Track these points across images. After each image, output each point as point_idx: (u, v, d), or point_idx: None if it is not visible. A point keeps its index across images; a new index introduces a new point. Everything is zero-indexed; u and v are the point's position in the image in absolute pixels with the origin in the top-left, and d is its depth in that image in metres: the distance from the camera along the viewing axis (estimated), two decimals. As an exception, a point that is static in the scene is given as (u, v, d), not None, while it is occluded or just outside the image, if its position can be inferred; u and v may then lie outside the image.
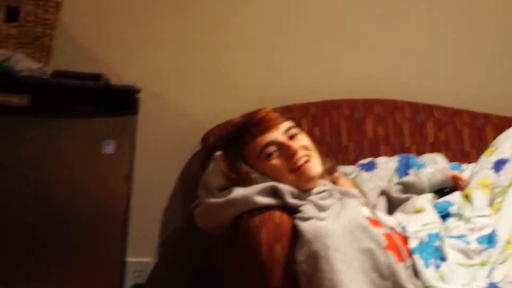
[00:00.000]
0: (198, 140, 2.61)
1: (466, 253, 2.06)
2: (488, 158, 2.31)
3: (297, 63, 2.83)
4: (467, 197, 2.25)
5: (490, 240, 2.07)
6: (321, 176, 2.26)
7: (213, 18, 2.74)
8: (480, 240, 2.07)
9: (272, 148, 2.13)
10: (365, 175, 2.50)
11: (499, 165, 2.26)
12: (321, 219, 2.02)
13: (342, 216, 2.02)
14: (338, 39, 2.86)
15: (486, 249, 2.05)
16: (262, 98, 2.69)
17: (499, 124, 2.85)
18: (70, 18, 2.56)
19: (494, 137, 2.68)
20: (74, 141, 2.24)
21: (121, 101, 2.30)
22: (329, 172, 2.33)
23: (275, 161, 2.13)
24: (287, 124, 2.18)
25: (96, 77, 2.34)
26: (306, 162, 2.13)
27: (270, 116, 2.18)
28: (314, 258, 1.93)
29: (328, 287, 1.90)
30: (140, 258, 2.72)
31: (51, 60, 2.42)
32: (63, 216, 2.24)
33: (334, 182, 2.33)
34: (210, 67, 2.75)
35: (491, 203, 2.19)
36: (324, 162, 2.32)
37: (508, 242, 2.04)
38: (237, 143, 2.17)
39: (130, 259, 2.64)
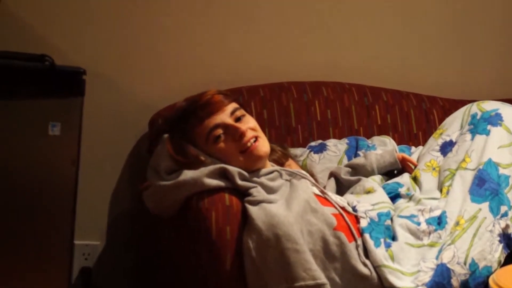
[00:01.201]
0: (146, 122, 2.58)
1: (416, 234, 2.08)
2: (436, 141, 2.34)
3: (245, 46, 2.81)
4: (415, 179, 2.27)
5: (439, 222, 2.09)
6: (272, 162, 2.27)
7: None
8: (429, 221, 2.10)
9: (219, 131, 2.13)
10: (315, 157, 2.52)
11: (446, 147, 2.29)
12: (270, 202, 2.03)
13: (293, 201, 2.03)
14: (287, 22, 2.86)
15: (435, 230, 2.08)
16: (210, 80, 2.66)
17: (445, 107, 2.89)
18: (13, -2, 2.52)
19: (441, 120, 2.73)
20: (19, 123, 2.19)
21: (67, 83, 2.27)
22: (278, 163, 2.32)
23: (223, 144, 2.13)
24: (233, 105, 2.18)
25: (41, 58, 2.29)
26: (254, 142, 2.13)
27: (216, 98, 2.17)
28: (265, 248, 1.95)
29: (282, 278, 1.93)
30: (88, 241, 2.68)
31: (-6, 41, 2.38)
32: (10, 199, 2.19)
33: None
34: (157, 48, 2.71)
35: (440, 186, 2.22)
36: (274, 151, 2.32)
37: (456, 224, 2.07)
38: (184, 126, 2.17)
39: (78, 242, 2.61)
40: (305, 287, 1.91)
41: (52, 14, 2.60)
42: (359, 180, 2.30)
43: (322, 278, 1.93)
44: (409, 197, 2.20)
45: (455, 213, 2.10)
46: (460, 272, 1.97)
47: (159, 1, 2.70)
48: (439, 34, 3.03)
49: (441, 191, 2.20)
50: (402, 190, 2.23)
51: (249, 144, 2.13)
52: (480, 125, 2.23)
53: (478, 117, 2.26)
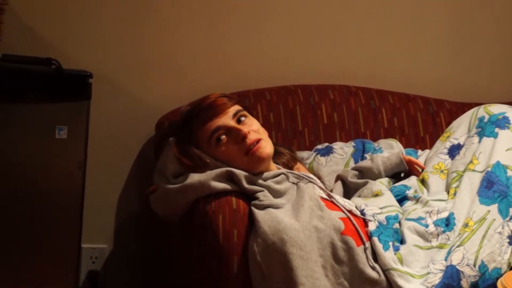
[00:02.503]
0: (153, 125, 2.58)
1: (424, 236, 2.08)
2: (443, 144, 2.33)
3: (252, 49, 2.81)
4: (423, 182, 2.27)
5: (447, 223, 2.09)
6: (281, 165, 2.27)
7: (167, 2, 2.71)
8: (437, 223, 2.10)
9: (221, 133, 2.13)
10: (322, 159, 2.51)
11: (454, 150, 2.29)
12: (277, 207, 2.03)
13: (299, 208, 2.03)
14: (293, 26, 2.86)
15: (443, 232, 2.07)
16: (217, 83, 2.67)
17: (452, 110, 2.88)
18: (18, 1, 2.51)
19: (448, 123, 2.72)
20: (26, 127, 2.20)
21: (73, 86, 2.28)
22: (287, 166, 2.32)
23: (226, 146, 2.13)
24: (235, 108, 2.18)
25: (47, 61, 2.29)
26: (257, 143, 2.13)
27: (219, 101, 2.17)
28: (270, 252, 1.95)
29: (284, 283, 1.93)
30: (96, 244, 2.69)
31: (0, 45, 2.36)
32: (17, 203, 2.20)
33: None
34: (164, 52, 2.72)
35: (447, 188, 2.21)
36: (283, 154, 2.32)
37: (465, 225, 2.06)
38: (188, 129, 2.17)
39: (85, 245, 2.61)
40: None
41: (59, 18, 2.61)
42: (366, 183, 2.30)
43: None
44: (416, 200, 2.19)
45: (463, 214, 2.09)
46: (469, 273, 1.96)
47: (166, 5, 2.71)
48: (446, 37, 3.02)
49: (448, 192, 2.20)
50: (410, 193, 2.23)
51: (252, 146, 2.12)
52: (487, 128, 2.23)
53: (485, 120, 2.26)
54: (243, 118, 2.16)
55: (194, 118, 2.16)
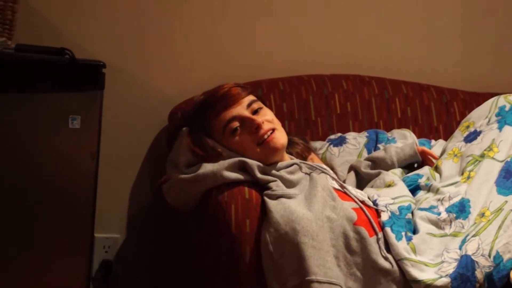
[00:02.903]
0: (166, 115, 2.58)
1: (437, 224, 2.08)
2: (462, 135, 2.32)
3: (265, 39, 2.81)
4: (436, 168, 2.26)
5: (460, 209, 2.08)
6: (295, 155, 2.27)
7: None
8: (449, 209, 2.09)
9: (235, 124, 2.13)
10: (335, 150, 2.51)
11: (470, 136, 2.27)
12: (289, 197, 2.03)
13: (312, 198, 2.02)
14: (306, 16, 2.85)
15: (456, 218, 2.06)
16: (230, 73, 2.66)
17: (466, 99, 2.87)
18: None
19: (461, 112, 2.72)
20: (39, 116, 2.20)
21: (87, 76, 2.27)
22: (301, 156, 2.32)
23: (240, 136, 2.14)
24: (250, 98, 2.18)
25: (61, 51, 2.29)
26: (271, 134, 2.13)
27: (233, 91, 2.17)
28: (283, 242, 1.95)
29: (296, 272, 1.92)
30: (109, 234, 2.69)
31: (14, 34, 2.37)
32: (30, 192, 2.20)
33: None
34: (177, 42, 2.72)
35: (461, 171, 2.20)
36: (297, 144, 2.31)
37: (481, 215, 2.05)
38: (201, 119, 2.17)
39: (98, 235, 2.61)
40: (316, 282, 1.90)
41: (72, 8, 2.61)
42: (379, 174, 2.30)
43: (334, 278, 1.92)
44: (428, 188, 2.18)
45: (479, 203, 2.08)
46: (484, 264, 1.96)
47: (179, -5, 2.72)
48: (460, 27, 3.02)
49: (462, 175, 2.18)
50: (422, 181, 2.22)
51: (265, 136, 2.13)
52: (509, 117, 2.22)
53: (506, 109, 2.24)
54: (257, 108, 2.17)
55: (207, 108, 2.17)
